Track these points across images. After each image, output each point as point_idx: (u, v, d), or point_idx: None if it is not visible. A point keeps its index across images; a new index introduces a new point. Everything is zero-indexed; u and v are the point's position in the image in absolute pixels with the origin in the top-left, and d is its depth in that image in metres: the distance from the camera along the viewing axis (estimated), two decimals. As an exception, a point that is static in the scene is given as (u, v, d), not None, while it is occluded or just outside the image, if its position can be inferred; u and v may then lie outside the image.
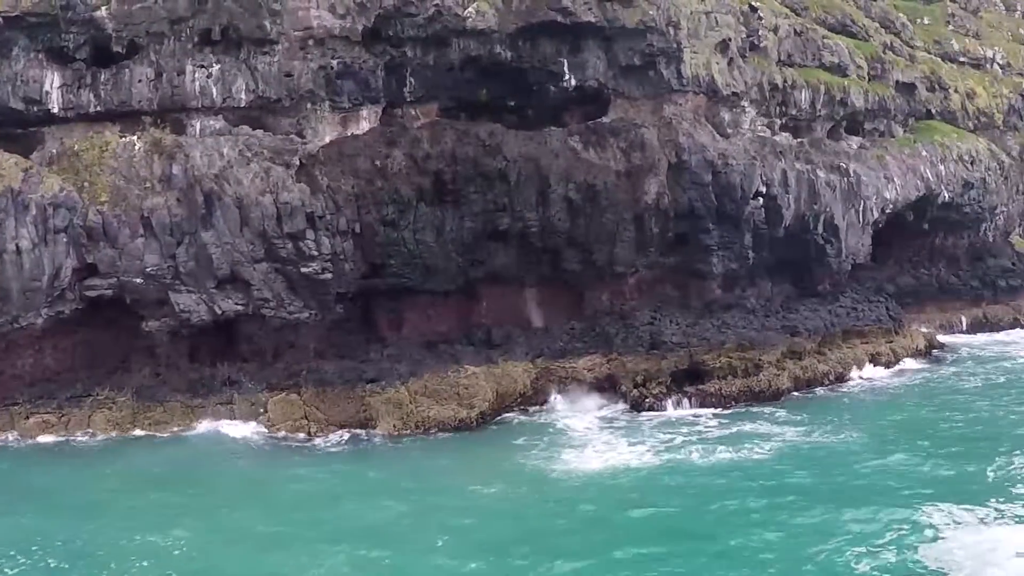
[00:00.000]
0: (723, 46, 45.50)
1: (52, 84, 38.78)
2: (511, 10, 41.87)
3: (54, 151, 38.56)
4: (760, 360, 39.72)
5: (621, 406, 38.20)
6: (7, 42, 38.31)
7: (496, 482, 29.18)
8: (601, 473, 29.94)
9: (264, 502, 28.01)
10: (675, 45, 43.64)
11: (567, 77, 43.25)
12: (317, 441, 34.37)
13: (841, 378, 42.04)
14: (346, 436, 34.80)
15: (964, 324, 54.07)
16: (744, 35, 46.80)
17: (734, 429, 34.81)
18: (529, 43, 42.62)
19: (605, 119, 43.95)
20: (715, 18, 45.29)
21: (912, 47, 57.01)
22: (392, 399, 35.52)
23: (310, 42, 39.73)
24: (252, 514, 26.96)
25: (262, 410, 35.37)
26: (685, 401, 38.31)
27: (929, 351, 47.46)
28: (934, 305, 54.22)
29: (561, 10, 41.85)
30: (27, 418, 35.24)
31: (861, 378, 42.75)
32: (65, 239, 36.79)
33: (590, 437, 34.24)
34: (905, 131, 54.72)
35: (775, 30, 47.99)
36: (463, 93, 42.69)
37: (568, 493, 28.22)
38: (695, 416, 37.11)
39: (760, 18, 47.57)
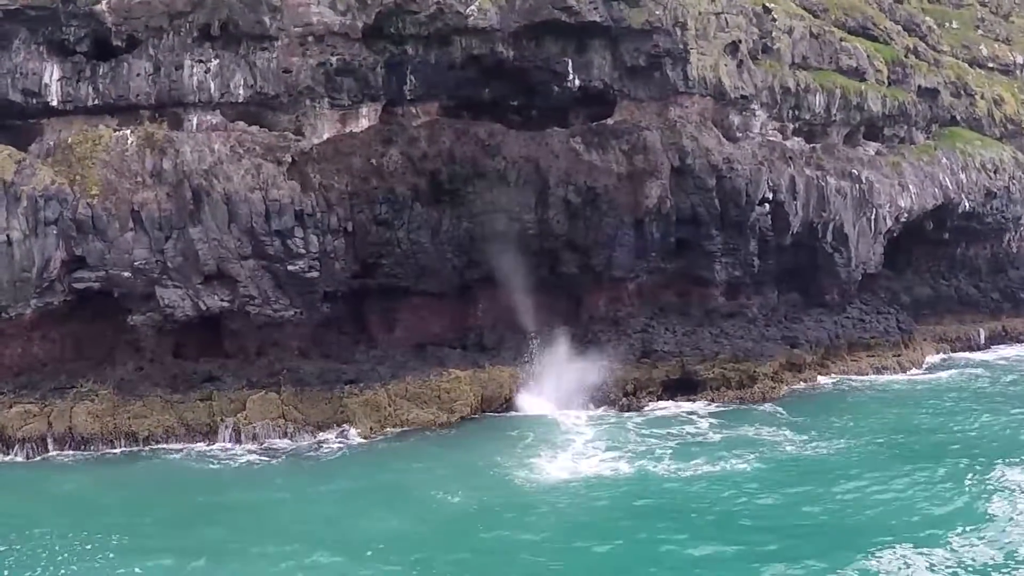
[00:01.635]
0: (733, 48, 43.49)
1: (51, 77, 37.86)
2: (514, 8, 40.20)
3: (51, 143, 37.76)
4: (755, 371, 37.80)
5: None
6: (7, 35, 37.43)
7: (456, 489, 27.73)
8: (566, 483, 28.24)
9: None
10: (681, 46, 41.76)
11: (571, 77, 41.54)
12: (282, 444, 33.20)
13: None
14: (320, 438, 33.52)
15: (982, 337, 51.36)
16: (756, 37, 44.74)
17: (721, 435, 33.18)
18: (534, 42, 41.01)
19: (609, 121, 42.25)
20: (725, 19, 43.29)
21: (938, 51, 54.32)
22: (370, 401, 34.21)
23: (309, 39, 38.46)
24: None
25: (241, 407, 34.35)
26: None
27: (940, 364, 45.17)
28: (952, 317, 51.52)
29: (566, 9, 40.14)
30: (10, 407, 34.37)
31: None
32: (55, 231, 35.88)
33: (569, 441, 32.56)
34: (927, 137, 52.17)
35: (789, 32, 45.81)
36: (465, 92, 41.16)
37: (526, 503, 26.68)
38: (688, 415, 35.65)
39: (774, 20, 45.45)
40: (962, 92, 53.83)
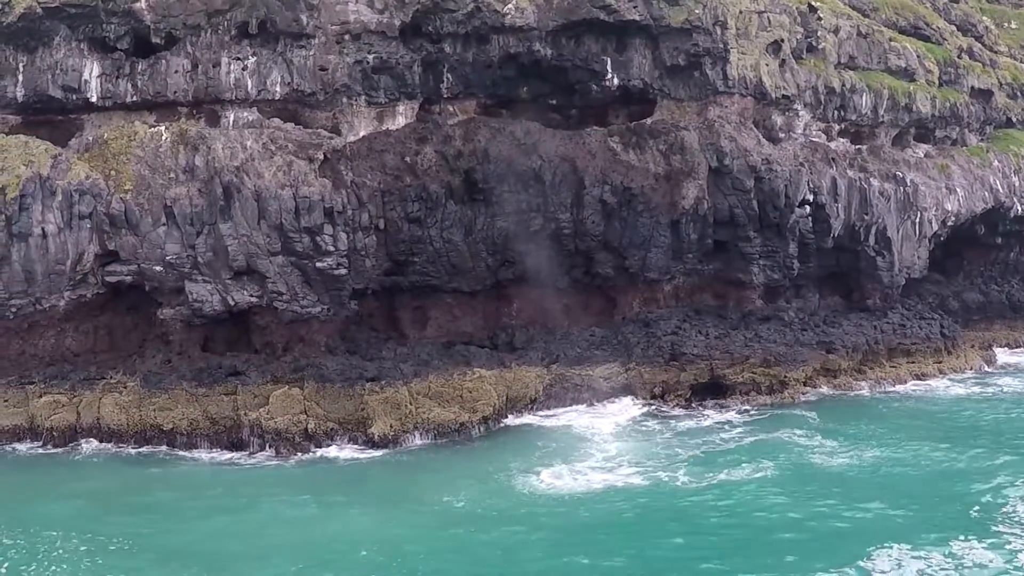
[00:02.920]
0: (775, 47, 41.59)
1: (91, 73, 37.53)
2: (552, 7, 38.87)
3: (90, 139, 37.41)
4: (786, 376, 35.98)
5: (637, 413, 35.21)
6: (48, 32, 37.22)
7: (462, 497, 26.54)
8: (573, 496, 26.69)
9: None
10: (721, 45, 40.01)
11: (610, 76, 40.08)
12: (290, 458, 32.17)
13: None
14: (337, 441, 32.73)
15: (1035, 344, 48.79)
16: (801, 36, 42.76)
17: (749, 441, 31.48)
18: (573, 41, 39.68)
19: (647, 120, 40.72)
20: (768, 18, 41.41)
21: (994, 52, 51.68)
22: (390, 399, 33.05)
23: (346, 36, 37.55)
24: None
25: (264, 402, 33.56)
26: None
27: (985, 371, 42.71)
28: (1003, 323, 48.86)
29: (604, 7, 38.70)
30: (40, 396, 34.13)
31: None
32: (89, 225, 35.52)
33: (590, 451, 30.95)
34: (981, 139, 49.62)
35: (835, 31, 43.71)
36: (502, 90, 39.96)
37: (525, 515, 25.23)
38: (718, 422, 33.89)
39: (819, 18, 43.42)
40: (1019, 93, 51.14)
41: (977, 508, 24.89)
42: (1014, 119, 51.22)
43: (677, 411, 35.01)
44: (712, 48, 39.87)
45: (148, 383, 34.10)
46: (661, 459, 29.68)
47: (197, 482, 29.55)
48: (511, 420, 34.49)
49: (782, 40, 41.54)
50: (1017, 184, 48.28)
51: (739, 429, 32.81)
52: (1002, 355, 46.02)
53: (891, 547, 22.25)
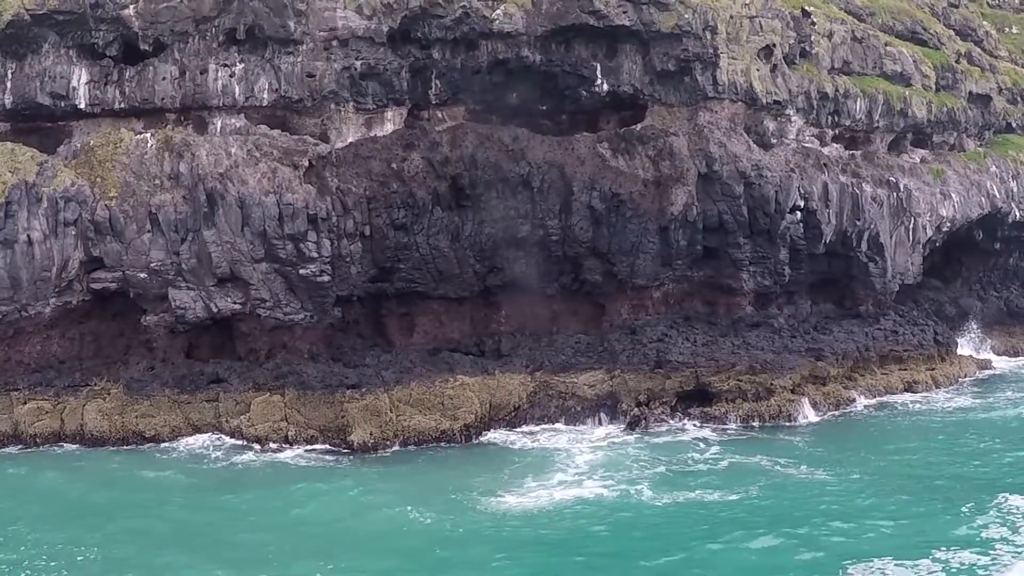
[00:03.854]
0: (767, 52, 40.69)
1: (80, 80, 37.12)
2: (541, 12, 38.19)
3: (79, 145, 37.09)
4: (772, 384, 35.07)
5: (620, 427, 34.33)
6: (36, 39, 36.81)
7: (422, 511, 25.49)
8: (529, 514, 25.35)
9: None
10: (711, 51, 39.18)
11: (599, 82, 39.30)
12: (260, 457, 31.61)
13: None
14: (313, 447, 32.09)
15: (1032, 351, 47.62)
16: (794, 40, 41.88)
17: (727, 463, 29.92)
18: (563, 46, 39.00)
19: (636, 126, 39.97)
20: (759, 23, 40.53)
21: (995, 56, 50.56)
22: (371, 406, 32.49)
23: (334, 43, 37.04)
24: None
25: (246, 408, 33.10)
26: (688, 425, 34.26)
27: (981, 380, 41.64)
28: (1001, 330, 47.78)
29: (593, 12, 37.96)
30: (24, 404, 33.75)
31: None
32: (74, 232, 35.23)
33: (561, 465, 29.68)
34: (980, 145, 48.53)
35: (829, 36, 42.76)
36: (491, 96, 39.20)
37: (479, 531, 24.07)
38: (698, 440, 32.73)
39: (813, 23, 42.53)
40: (1019, 98, 49.99)
41: (958, 527, 23.77)
42: (1014, 124, 50.07)
43: (660, 428, 33.81)
44: (702, 53, 39.06)
45: (131, 390, 33.73)
46: (633, 477, 28.40)
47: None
48: (489, 435, 33.53)
49: (774, 45, 40.67)
50: (1015, 189, 47.16)
51: (717, 448, 31.58)
52: (999, 363, 44.82)
53: (868, 564, 21.34)
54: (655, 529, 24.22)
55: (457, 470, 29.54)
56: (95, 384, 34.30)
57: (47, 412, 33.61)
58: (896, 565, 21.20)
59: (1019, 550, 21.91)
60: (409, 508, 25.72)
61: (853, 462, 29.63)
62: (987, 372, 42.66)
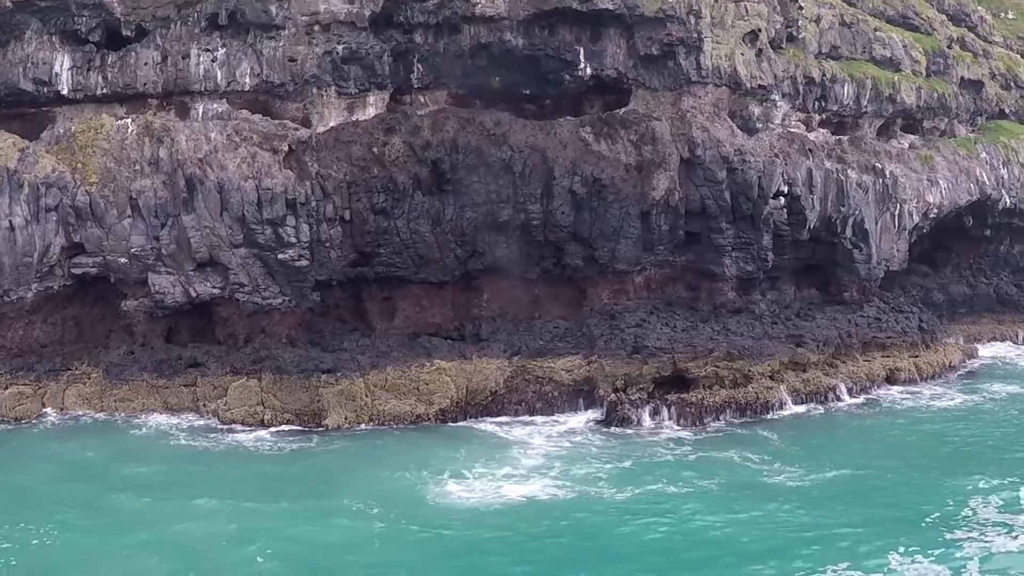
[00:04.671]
0: (752, 36, 40.04)
1: (62, 66, 36.99)
2: (524, -5, 37.87)
3: (61, 131, 36.96)
4: (750, 370, 34.61)
5: (596, 414, 33.97)
6: (19, 25, 36.76)
7: (358, 503, 24.70)
8: (474, 509, 24.24)
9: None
10: (695, 35, 38.56)
11: (582, 66, 38.73)
12: (239, 437, 31.21)
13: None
14: (280, 430, 31.70)
15: (1020, 338, 46.79)
16: (780, 25, 41.23)
17: (693, 457, 29.03)
18: (547, 31, 38.51)
19: (619, 111, 39.48)
20: (745, 7, 39.81)
21: (989, 42, 49.68)
22: (346, 391, 32.26)
23: (316, 27, 36.71)
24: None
25: (223, 393, 32.94)
26: (665, 411, 33.75)
27: (965, 368, 41.00)
28: (991, 317, 46.98)
29: (576, -4, 37.59)
30: (6, 388, 33.71)
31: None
32: (55, 217, 35.10)
33: (520, 457, 28.70)
34: (972, 131, 47.74)
35: (817, 20, 42.10)
36: (474, 81, 38.71)
37: (411, 527, 23.01)
38: (667, 440, 31.35)
39: (800, 7, 41.85)
40: (1012, 84, 49.14)
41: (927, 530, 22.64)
42: (1007, 111, 49.20)
43: (635, 418, 33.00)
44: (686, 38, 38.46)
45: (110, 374, 33.62)
46: (589, 473, 27.35)
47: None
48: (464, 423, 32.97)
49: (759, 30, 40.00)
50: (1005, 176, 46.33)
51: (689, 444, 30.69)
52: (988, 350, 44.12)
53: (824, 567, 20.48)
54: (592, 529, 23.01)
55: (410, 454, 28.97)
56: (76, 368, 34.26)
57: (28, 396, 33.56)
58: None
59: (982, 567, 20.68)
60: (344, 493, 25.38)
61: (827, 461, 28.31)
62: (976, 362, 41.62)
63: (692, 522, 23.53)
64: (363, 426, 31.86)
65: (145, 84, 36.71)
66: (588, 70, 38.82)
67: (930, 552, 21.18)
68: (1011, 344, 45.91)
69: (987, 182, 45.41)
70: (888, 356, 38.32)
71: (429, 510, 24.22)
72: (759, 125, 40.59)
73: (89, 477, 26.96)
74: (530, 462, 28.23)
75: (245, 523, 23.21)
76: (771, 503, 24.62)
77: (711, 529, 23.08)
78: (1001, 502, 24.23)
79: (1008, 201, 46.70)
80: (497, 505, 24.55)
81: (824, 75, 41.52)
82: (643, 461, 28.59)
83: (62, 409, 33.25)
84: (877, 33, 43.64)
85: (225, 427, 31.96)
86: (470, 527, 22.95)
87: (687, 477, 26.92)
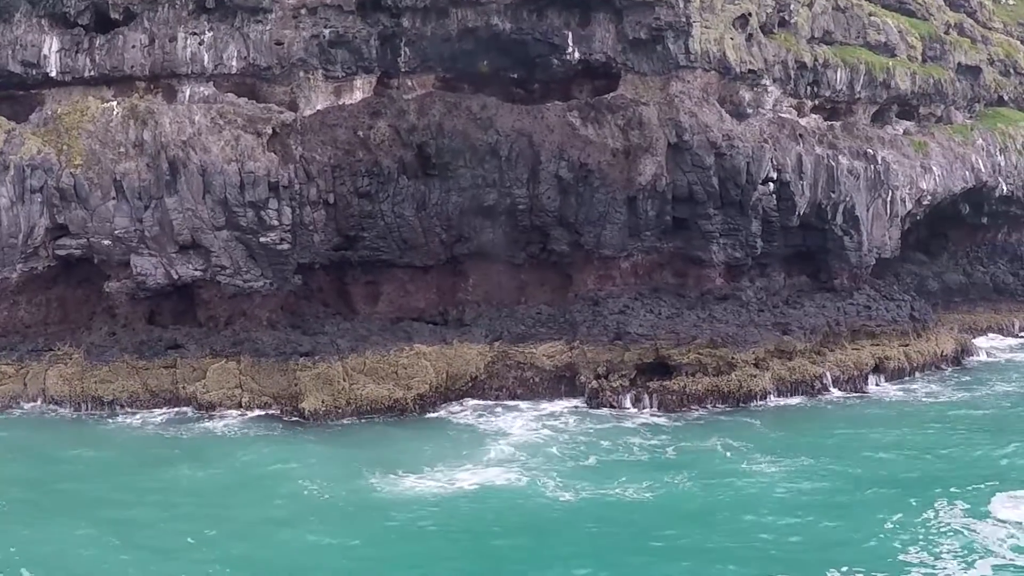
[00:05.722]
0: (742, 21, 39.14)
1: (51, 48, 36.52)
2: (511, -20, 37.12)
3: (49, 113, 36.58)
4: (733, 358, 33.81)
5: (578, 401, 33.31)
6: (8, 8, 36.37)
7: (313, 490, 24.08)
8: (420, 498, 23.38)
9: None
10: (684, 19, 37.68)
11: (570, 50, 38.00)
12: (210, 424, 30.79)
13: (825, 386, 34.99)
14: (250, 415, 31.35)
15: (1016, 327, 45.68)
16: (772, 9, 40.28)
17: (666, 448, 27.92)
18: (535, 14, 37.80)
19: (607, 95, 38.68)
20: (735, -9, 39.08)
21: (988, 28, 48.47)
22: (323, 374, 31.73)
23: (303, 10, 36.14)
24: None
25: (202, 375, 32.49)
26: (647, 398, 33.06)
27: (959, 358, 39.96)
28: (987, 306, 45.87)
29: (565, -20, 36.82)
30: (-11, 368, 33.60)
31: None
32: (40, 199, 34.70)
33: (490, 448, 27.66)
34: (970, 117, 46.59)
35: (809, 5, 41.09)
36: (462, 64, 38.05)
37: (356, 516, 22.37)
38: (643, 425, 30.59)
39: (793, -8, 40.92)
40: (1011, 70, 47.91)
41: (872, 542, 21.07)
42: (1006, 97, 47.98)
43: (616, 405, 32.35)
44: (674, 22, 37.58)
45: (91, 355, 33.24)
46: (552, 465, 26.26)
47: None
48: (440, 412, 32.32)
49: (749, 14, 39.10)
50: (1002, 163, 45.15)
51: (667, 433, 29.65)
52: (983, 341, 42.85)
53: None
54: (531, 519, 21.99)
55: (376, 444, 28.28)
56: (58, 349, 33.86)
57: (10, 376, 33.27)
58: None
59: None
60: (301, 481, 24.79)
61: (804, 456, 26.98)
62: (971, 358, 40.15)
63: (635, 515, 22.42)
64: (346, 420, 31.10)
65: (132, 67, 36.20)
66: (576, 54, 38.08)
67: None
68: (1006, 336, 44.59)
69: (983, 169, 44.26)
70: (877, 345, 37.35)
71: (375, 500, 23.46)
72: (750, 110, 39.68)
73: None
74: (498, 451, 27.47)
75: (180, 508, 23.06)
76: (736, 502, 23.46)
77: (656, 523, 21.91)
78: (967, 506, 23.01)
79: (1005, 188, 45.53)
80: (446, 494, 23.76)
81: (816, 60, 40.56)
82: (611, 450, 27.79)
83: (43, 391, 32.89)
84: (871, 18, 42.61)
85: (200, 414, 31.59)
86: (410, 516, 22.18)
87: (650, 469, 25.99)
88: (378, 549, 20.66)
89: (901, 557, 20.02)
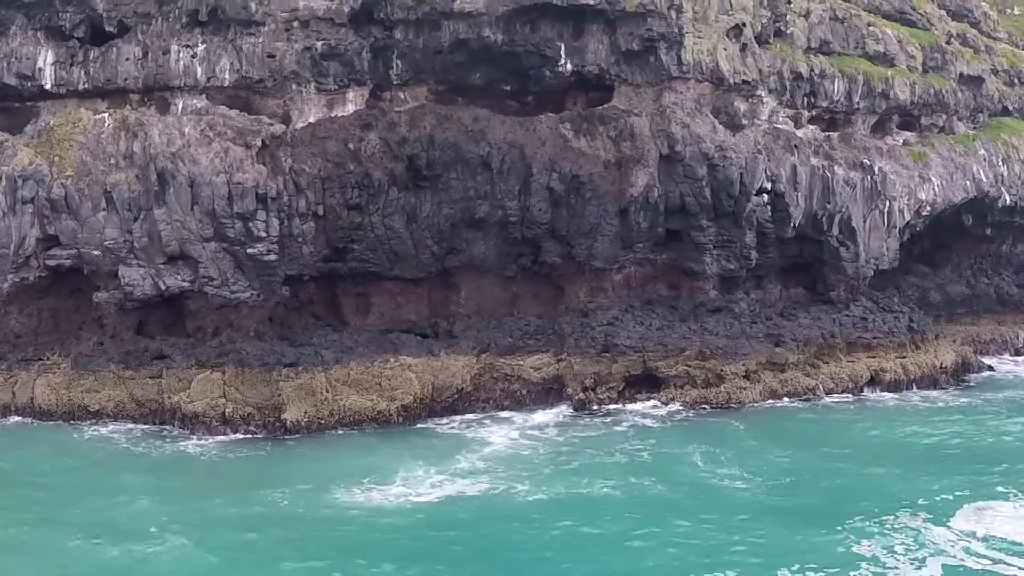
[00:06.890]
0: (736, 31, 38.37)
1: (46, 61, 36.44)
2: (503, -8, 36.53)
3: (43, 125, 36.38)
4: (723, 370, 32.90)
5: (565, 413, 32.46)
6: (4, 21, 36.40)
7: (280, 503, 23.49)
8: (379, 510, 22.81)
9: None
10: (676, 30, 37.00)
11: (563, 62, 37.38)
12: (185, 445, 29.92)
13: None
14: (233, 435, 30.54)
15: (1021, 339, 44.34)
16: (767, 20, 39.45)
17: (646, 455, 27.29)
18: (528, 26, 37.21)
19: (600, 107, 37.94)
20: (729, 1, 38.18)
21: (992, 38, 47.32)
22: (306, 385, 31.13)
23: (295, 23, 35.78)
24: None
25: (187, 385, 31.97)
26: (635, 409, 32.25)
27: (960, 372, 38.61)
28: (991, 318, 44.63)
29: (558, -9, 36.16)
30: (-22, 378, 33.28)
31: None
32: (31, 209, 34.43)
33: (463, 459, 26.88)
34: (974, 128, 45.42)
35: (806, 15, 40.24)
36: (454, 77, 37.52)
37: (302, 531, 21.63)
38: (633, 425, 30.30)
39: (788, 2, 40.03)
40: (1016, 80, 46.69)
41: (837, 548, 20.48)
42: (1010, 107, 46.74)
43: (603, 415, 31.61)
44: (667, 33, 36.93)
45: (78, 365, 32.86)
46: (525, 475, 25.47)
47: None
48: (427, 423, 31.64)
49: (744, 24, 38.32)
50: (1005, 174, 43.92)
51: (654, 437, 29.02)
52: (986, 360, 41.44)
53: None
54: (486, 531, 21.33)
55: (350, 458, 27.52)
56: (47, 359, 33.55)
57: (-1, 386, 33.04)
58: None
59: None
60: (265, 492, 24.18)
61: (784, 465, 26.38)
62: (972, 375, 38.94)
63: (594, 526, 21.64)
64: (336, 431, 30.50)
65: (126, 79, 36.01)
66: (569, 66, 37.45)
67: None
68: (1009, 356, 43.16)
69: (985, 179, 43.06)
70: (873, 356, 36.31)
71: (332, 513, 22.76)
72: (745, 121, 38.88)
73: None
74: (472, 462, 26.73)
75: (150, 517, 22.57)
76: (701, 511, 22.71)
77: (618, 539, 21.10)
78: (930, 515, 22.24)
79: (1008, 199, 44.28)
80: (406, 507, 23.06)
81: (813, 70, 39.67)
82: (588, 461, 26.99)
83: (31, 401, 32.51)
84: (870, 28, 41.63)
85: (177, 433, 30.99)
86: (364, 529, 21.52)
87: (626, 477, 25.28)
88: (322, 560, 20.03)
89: (853, 560, 19.64)
